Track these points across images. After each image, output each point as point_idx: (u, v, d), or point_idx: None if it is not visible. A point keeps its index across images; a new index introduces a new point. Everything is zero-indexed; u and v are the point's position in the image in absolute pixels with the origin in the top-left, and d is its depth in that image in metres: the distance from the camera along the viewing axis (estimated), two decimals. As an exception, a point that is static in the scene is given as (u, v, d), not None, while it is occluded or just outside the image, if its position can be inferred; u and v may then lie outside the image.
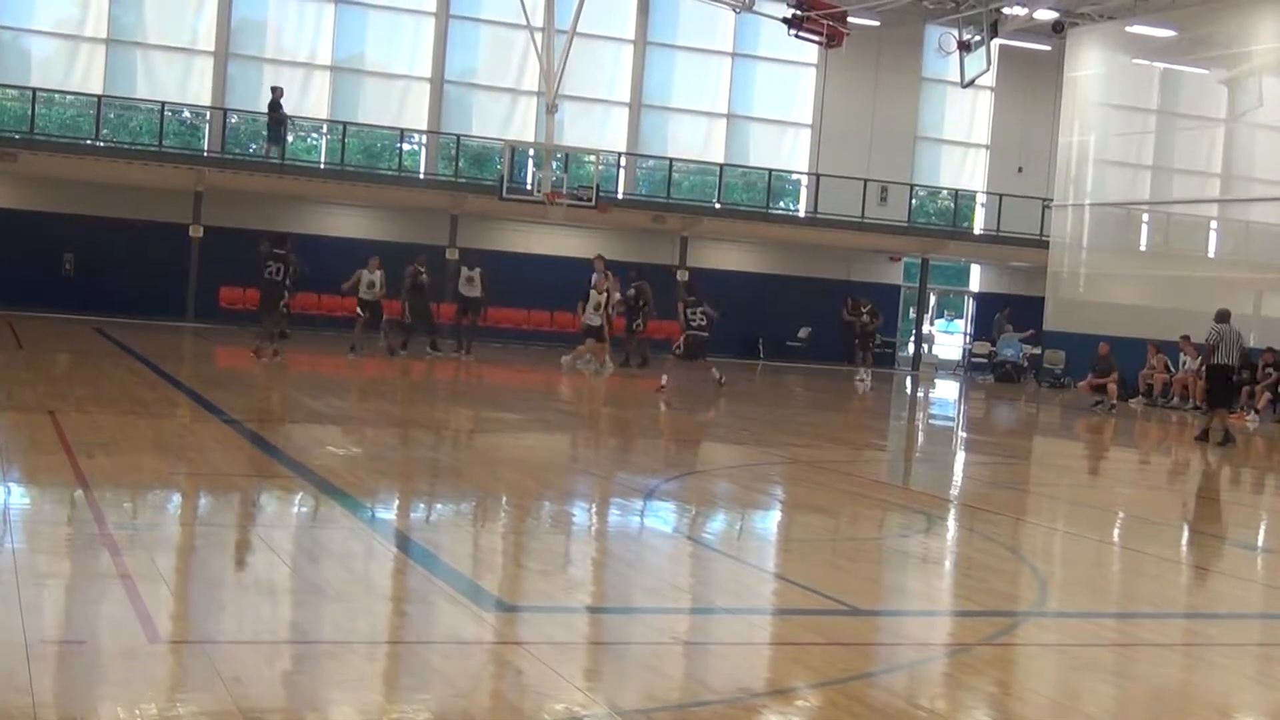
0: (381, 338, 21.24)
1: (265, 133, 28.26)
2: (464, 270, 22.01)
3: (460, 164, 30.33)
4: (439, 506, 7.91)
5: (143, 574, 5.32)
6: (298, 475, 8.30)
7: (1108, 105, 29.80)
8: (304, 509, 7.37)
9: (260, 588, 5.41)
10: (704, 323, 18.32)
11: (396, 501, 7.95)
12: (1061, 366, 29.11)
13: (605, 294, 20.61)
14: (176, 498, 7.45)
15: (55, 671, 4.10)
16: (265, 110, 27.93)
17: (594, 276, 21.49)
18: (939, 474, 12.06)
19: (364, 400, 14.80)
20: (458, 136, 29.84)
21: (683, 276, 20.82)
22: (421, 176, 29.90)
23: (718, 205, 31.72)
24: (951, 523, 8.83)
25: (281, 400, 13.73)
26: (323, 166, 29.55)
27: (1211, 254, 30.07)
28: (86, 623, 4.69)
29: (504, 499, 8.30)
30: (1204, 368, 17.03)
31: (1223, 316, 16.56)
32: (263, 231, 21.45)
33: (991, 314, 33.11)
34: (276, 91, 27.69)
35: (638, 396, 19.09)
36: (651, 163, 32.39)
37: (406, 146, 30.34)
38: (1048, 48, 32.14)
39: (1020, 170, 34.29)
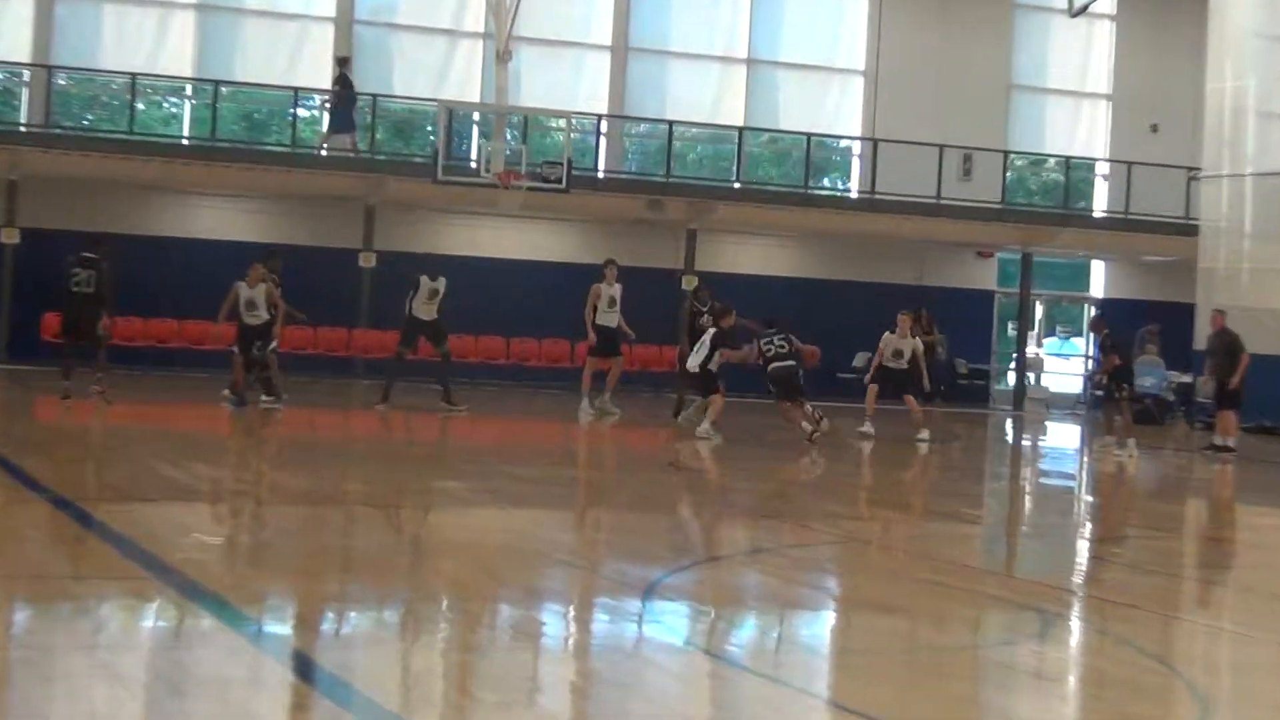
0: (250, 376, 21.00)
1: (329, 117, 28.65)
2: (425, 281, 21.67)
3: (377, 135, 30.40)
4: (354, 615, 7.85)
5: (-67, 719, 5.24)
6: (154, 575, 8.26)
7: (1270, 38, 29.92)
8: (163, 622, 7.33)
9: (100, 735, 5.34)
10: (785, 350, 19.80)
11: (294, 609, 7.89)
12: (1220, 401, 29.11)
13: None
14: (-18, 610, 7.38)
15: None
16: (331, 87, 28.38)
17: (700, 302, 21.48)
18: (1056, 554, 12.02)
19: (249, 467, 14.70)
20: (374, 97, 29.94)
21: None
22: (323, 153, 29.94)
23: (737, 185, 31.81)
24: (1076, 622, 8.80)
25: (131, 469, 13.67)
26: (186, 142, 29.59)
27: None
28: None
29: (445, 602, 8.24)
30: None
31: None
32: (94, 236, 21.24)
33: (1121, 328, 33.12)
34: (344, 63, 28.18)
35: (632, 455, 19.00)
36: (644, 128, 32.45)
37: (302, 113, 30.40)
38: (1188, -40, 32.39)
39: (1155, 129, 34.43)
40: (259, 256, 21.37)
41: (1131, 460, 20.54)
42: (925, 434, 21.04)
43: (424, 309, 21.56)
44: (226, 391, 20.71)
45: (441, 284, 21.64)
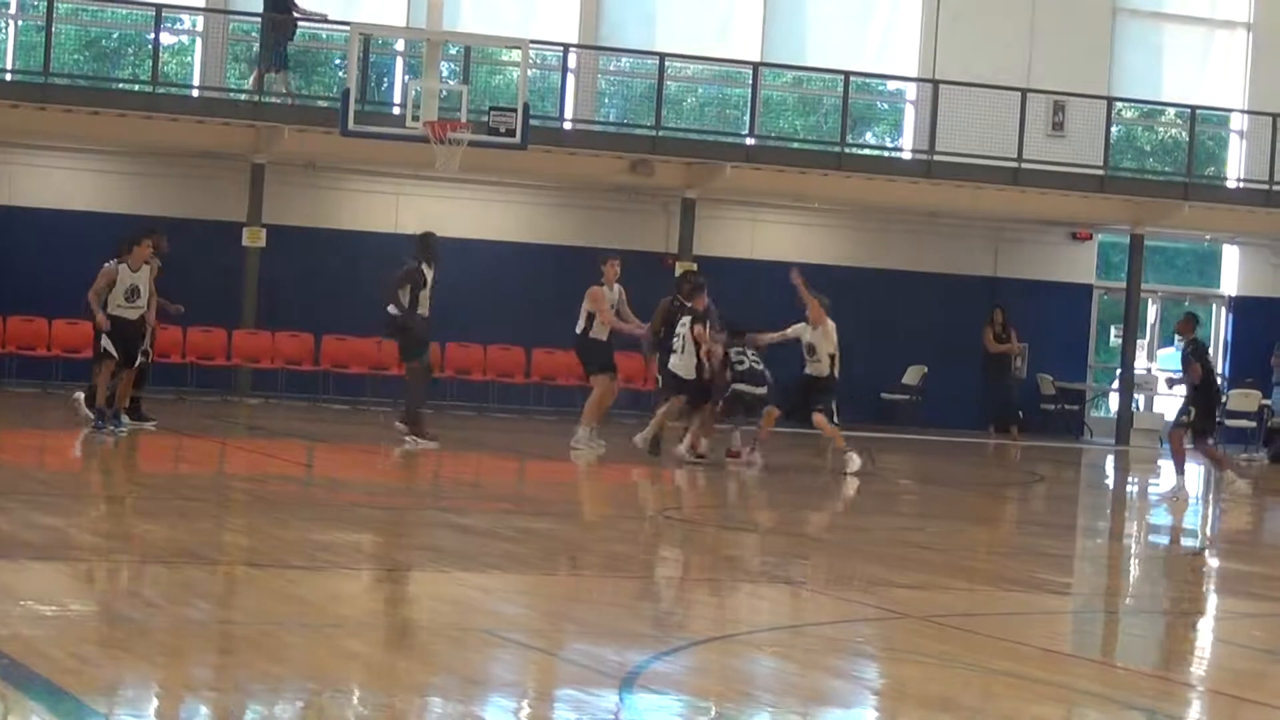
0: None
1: (259, 48, 28.48)
2: (423, 270, 21.71)
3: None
4: (234, 712, 7.86)
5: None
6: (-31, 655, 8.26)
7: None
8: (-20, 719, 7.32)
9: None
10: (759, 369, 20.88)
11: (154, 703, 7.92)
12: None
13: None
14: None
15: None
16: (267, 11, 28.24)
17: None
18: (1168, 636, 12.08)
19: (104, 514, 14.69)
20: (263, 17, 29.87)
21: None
22: (195, 94, 29.89)
23: (750, 141, 31.84)
24: (1194, 726, 8.84)
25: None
26: (9, 78, 29.49)
27: None
28: None
29: (357, 696, 8.27)
30: None
31: None
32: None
33: (1263, 337, 33.19)
34: None
35: (609, 500, 19.02)
36: (626, 64, 32.45)
37: (167, 39, 30.33)
38: None
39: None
40: (137, 233, 21.46)
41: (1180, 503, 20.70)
42: (855, 462, 21.05)
43: (428, 304, 21.69)
44: (84, 408, 20.73)
45: (434, 270, 21.78)
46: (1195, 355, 21.35)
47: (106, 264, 20.74)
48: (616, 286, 22.43)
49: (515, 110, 25.86)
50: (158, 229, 22.32)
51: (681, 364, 20.81)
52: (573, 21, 31.47)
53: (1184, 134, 34.39)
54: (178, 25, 30.63)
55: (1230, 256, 36.23)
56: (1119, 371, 34.29)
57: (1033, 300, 33.03)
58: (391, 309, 21.63)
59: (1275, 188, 32.85)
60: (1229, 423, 32.63)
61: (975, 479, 21.17)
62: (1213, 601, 14.15)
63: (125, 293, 20.57)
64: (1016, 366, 32.51)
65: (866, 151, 33.66)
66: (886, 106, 34.79)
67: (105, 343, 20.53)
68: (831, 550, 15.23)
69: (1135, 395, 34.13)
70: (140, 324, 20.72)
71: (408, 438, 21.66)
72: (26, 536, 12.80)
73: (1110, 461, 30.42)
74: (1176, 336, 21.59)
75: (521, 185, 30.67)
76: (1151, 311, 35.67)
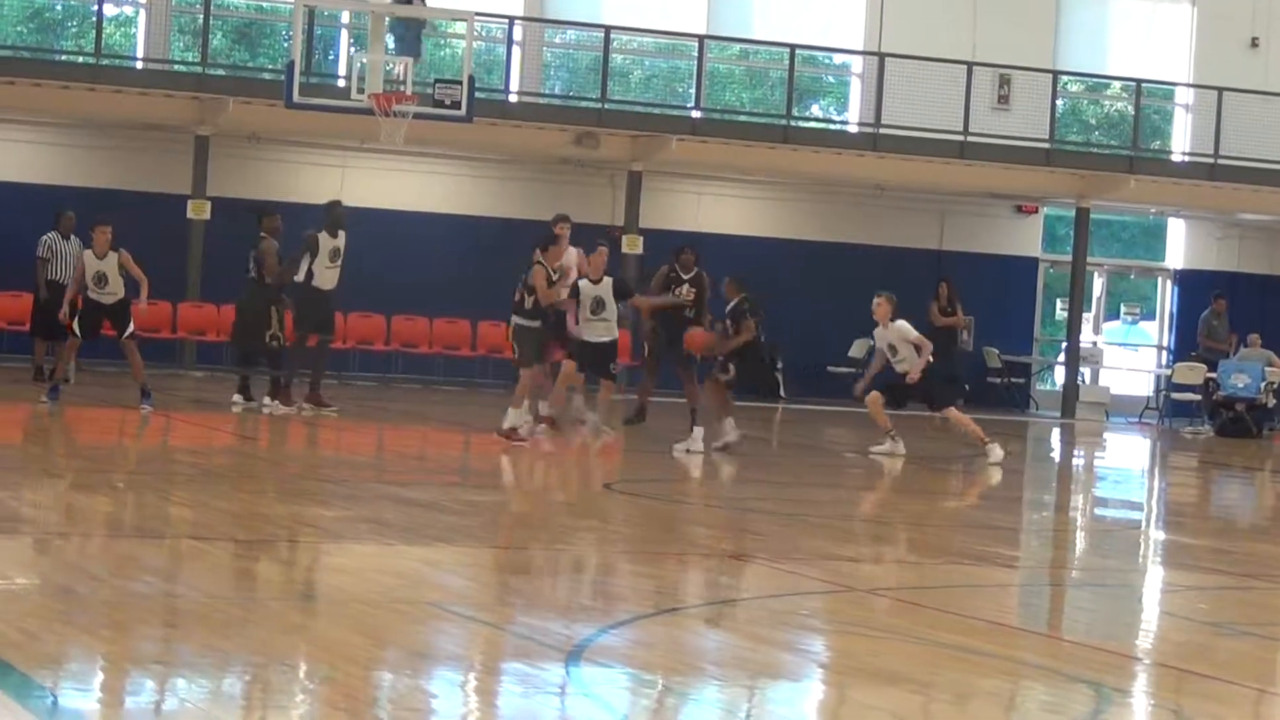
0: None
1: (394, 39, 28.04)
2: (324, 239, 21.63)
3: (213, 40, 30.19)
4: (180, 684, 7.84)
5: None
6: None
7: None
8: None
9: None
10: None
11: (99, 676, 7.88)
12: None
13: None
14: None
15: None
16: None
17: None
18: (1115, 609, 12.13)
19: (47, 487, 14.70)
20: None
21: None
22: (139, 65, 29.74)
23: (696, 113, 31.82)
24: (1140, 699, 8.87)
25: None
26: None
27: None
28: None
29: (303, 669, 8.25)
30: None
31: None
32: None
33: (1201, 308, 33.35)
34: None
35: (556, 474, 19.04)
36: (572, 36, 32.37)
37: (110, 10, 30.17)
38: None
39: (1255, 44, 34.58)
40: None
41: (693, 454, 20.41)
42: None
43: (327, 276, 21.62)
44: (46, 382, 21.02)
45: (342, 240, 21.72)
46: (751, 313, 21.07)
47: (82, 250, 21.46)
48: (572, 250, 22.25)
49: (460, 83, 25.81)
50: (270, 209, 22.74)
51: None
52: (518, -7, 31.46)
53: (1129, 107, 34.48)
54: (121, -3, 30.51)
55: (1175, 230, 36.35)
56: (1064, 344, 34.42)
57: (978, 273, 33.08)
58: (299, 278, 21.70)
59: (1220, 161, 32.97)
60: (1175, 396, 32.86)
61: (921, 452, 21.20)
62: (1160, 574, 14.22)
63: (93, 278, 20.94)
64: (962, 339, 32.57)
65: (812, 125, 33.66)
66: (832, 80, 34.78)
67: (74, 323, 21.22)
68: (777, 523, 15.25)
69: (1081, 368, 34.23)
70: (116, 308, 21.05)
71: (275, 405, 21.65)
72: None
73: (1056, 434, 30.54)
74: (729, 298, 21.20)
75: (467, 158, 30.60)
76: (1097, 285, 35.77)
